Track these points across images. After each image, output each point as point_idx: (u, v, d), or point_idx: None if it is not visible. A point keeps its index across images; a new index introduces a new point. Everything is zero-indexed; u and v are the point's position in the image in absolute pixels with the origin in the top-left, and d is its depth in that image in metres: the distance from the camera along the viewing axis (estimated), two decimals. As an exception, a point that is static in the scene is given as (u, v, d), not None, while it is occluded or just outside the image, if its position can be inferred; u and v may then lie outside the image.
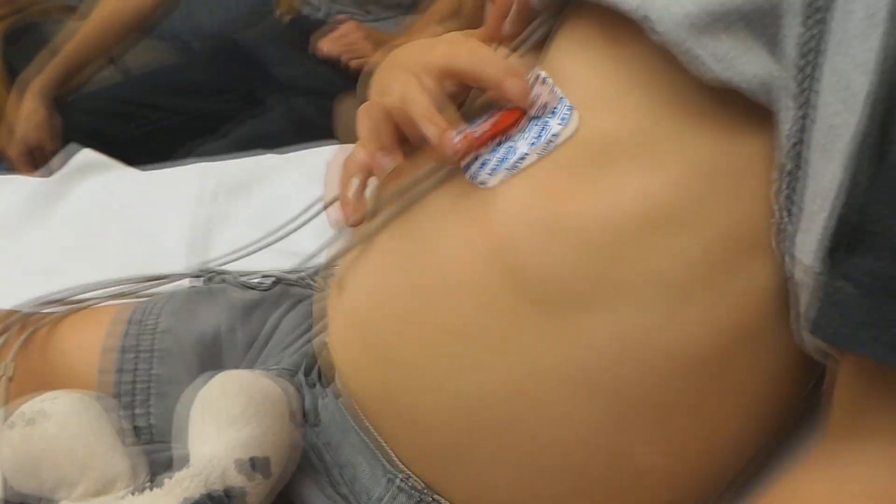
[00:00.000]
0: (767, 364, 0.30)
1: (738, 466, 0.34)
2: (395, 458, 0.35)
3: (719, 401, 0.30)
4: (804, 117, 0.25)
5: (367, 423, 0.36)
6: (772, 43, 0.26)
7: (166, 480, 0.31)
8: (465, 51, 0.34)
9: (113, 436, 0.34)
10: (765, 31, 0.26)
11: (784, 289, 0.28)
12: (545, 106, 0.33)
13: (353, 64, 1.09)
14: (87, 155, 0.89)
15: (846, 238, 0.25)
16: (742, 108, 0.27)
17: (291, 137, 1.00)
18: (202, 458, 0.32)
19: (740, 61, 0.26)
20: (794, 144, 0.26)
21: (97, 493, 0.32)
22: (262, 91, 1.17)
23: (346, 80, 1.07)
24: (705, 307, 0.29)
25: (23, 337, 0.47)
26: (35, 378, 0.47)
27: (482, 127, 0.34)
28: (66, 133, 1.09)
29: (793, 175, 0.26)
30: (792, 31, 0.26)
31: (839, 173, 0.24)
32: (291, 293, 0.51)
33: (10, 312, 0.49)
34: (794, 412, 0.33)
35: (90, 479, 0.33)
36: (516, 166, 0.32)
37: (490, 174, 0.33)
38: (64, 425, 0.33)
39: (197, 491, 0.30)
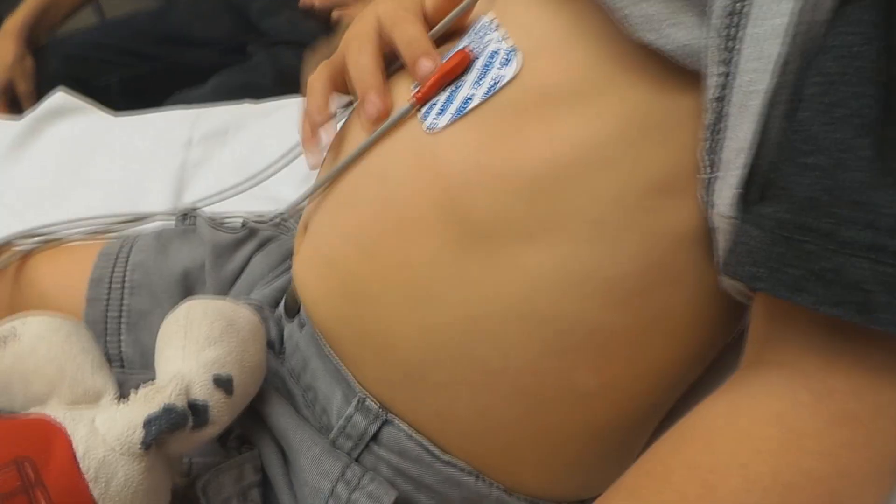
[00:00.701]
0: (693, 303, 0.32)
1: (671, 399, 0.36)
2: (356, 382, 0.37)
3: (650, 334, 0.32)
4: (727, 80, 0.28)
5: (330, 350, 0.38)
6: (702, 11, 0.28)
7: (132, 394, 0.32)
8: (390, 20, 0.37)
9: (87, 354, 0.35)
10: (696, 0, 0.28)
11: (708, 235, 0.30)
12: (491, 49, 0.34)
13: (334, 15, 1.07)
14: (61, 97, 0.87)
15: (757, 188, 0.27)
16: (676, 66, 0.29)
17: (274, 88, 0.98)
18: (167, 373, 0.33)
19: (670, 27, 0.28)
20: (718, 104, 0.28)
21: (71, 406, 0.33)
22: (244, 41, 1.15)
23: (330, 31, 1.06)
24: (635, 246, 0.31)
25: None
26: (7, 311, 0.48)
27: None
28: (41, 77, 1.07)
29: (716, 131, 0.28)
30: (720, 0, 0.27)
31: (753, 130, 0.27)
32: (261, 235, 0.52)
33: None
34: (724, 354, 0.35)
35: (61, 396, 0.34)
36: (461, 109, 0.33)
37: (437, 117, 0.34)
38: (33, 345, 0.34)
39: (160, 404, 0.31)
